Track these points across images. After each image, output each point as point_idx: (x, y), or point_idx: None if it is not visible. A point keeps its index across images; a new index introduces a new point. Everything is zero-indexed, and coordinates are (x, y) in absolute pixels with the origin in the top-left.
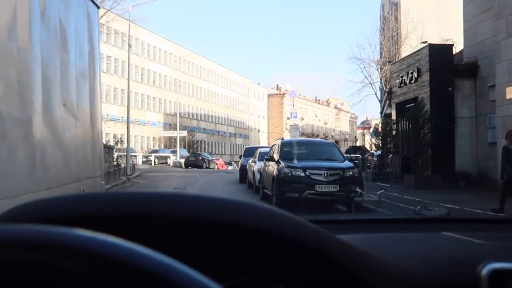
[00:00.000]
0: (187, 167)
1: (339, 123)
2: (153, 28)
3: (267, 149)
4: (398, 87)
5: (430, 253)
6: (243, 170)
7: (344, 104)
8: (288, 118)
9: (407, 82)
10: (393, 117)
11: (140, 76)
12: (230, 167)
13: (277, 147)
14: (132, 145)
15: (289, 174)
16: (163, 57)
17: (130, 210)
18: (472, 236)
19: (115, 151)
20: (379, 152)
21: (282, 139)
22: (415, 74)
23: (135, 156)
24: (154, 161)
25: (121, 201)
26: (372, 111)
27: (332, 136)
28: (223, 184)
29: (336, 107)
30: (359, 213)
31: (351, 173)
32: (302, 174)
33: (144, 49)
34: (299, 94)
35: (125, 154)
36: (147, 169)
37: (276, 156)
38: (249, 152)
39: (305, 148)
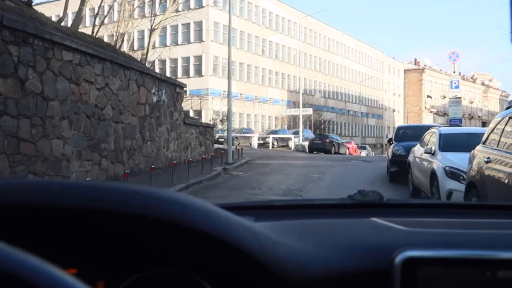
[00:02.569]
0: (312, 152)
1: (487, 102)
2: None
3: (448, 131)
4: None
5: (350, 239)
6: (398, 162)
7: (493, 80)
8: (429, 97)
9: None
10: None
11: (261, 48)
12: (363, 152)
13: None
14: (251, 126)
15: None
16: (287, 26)
17: (4, 200)
18: (398, 222)
19: (217, 131)
20: None
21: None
22: None
23: (247, 138)
24: (273, 144)
25: None
26: None
27: (479, 116)
28: (364, 184)
29: (483, 84)
30: (295, 199)
31: None
32: None
33: (266, 17)
34: (440, 70)
35: (239, 135)
36: (260, 154)
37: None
38: (406, 135)
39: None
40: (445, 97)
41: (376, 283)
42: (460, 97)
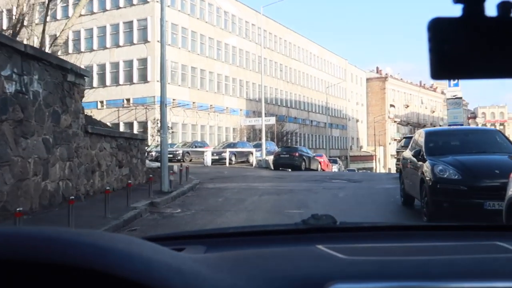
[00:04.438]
0: (277, 168)
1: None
2: None
3: None
4: None
5: (286, 272)
6: (446, 192)
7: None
8: (392, 106)
9: None
10: None
11: (216, 52)
12: (335, 167)
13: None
14: (206, 138)
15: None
16: (244, 28)
17: None
18: (341, 249)
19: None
20: None
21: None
22: None
23: (201, 153)
24: (230, 160)
25: None
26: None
27: (440, 125)
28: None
29: (443, 93)
30: (248, 226)
31: None
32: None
33: (221, 17)
34: (401, 79)
35: (190, 149)
36: (214, 173)
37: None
38: (444, 144)
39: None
40: (408, 106)
41: None
42: (461, 97)
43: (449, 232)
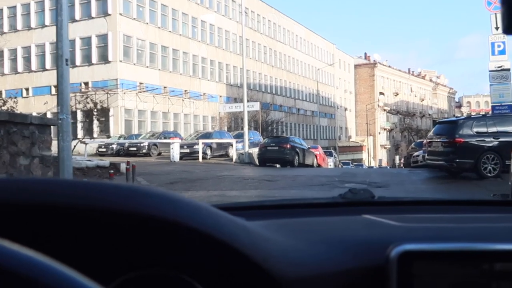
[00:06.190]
0: (264, 164)
1: (436, 100)
2: None
3: None
4: None
5: (342, 237)
6: None
7: (440, 77)
8: (381, 94)
9: None
10: None
11: (191, 29)
12: (330, 160)
13: None
14: (180, 128)
15: None
16: (223, 4)
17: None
18: (391, 218)
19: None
20: None
21: None
22: None
23: (168, 145)
24: (205, 153)
25: None
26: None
27: (429, 114)
28: None
29: (431, 80)
30: (285, 199)
31: None
32: None
33: None
34: (389, 66)
35: (159, 141)
36: (178, 173)
37: None
38: None
39: None
40: (397, 94)
41: (371, 279)
42: (509, 69)
43: (496, 206)
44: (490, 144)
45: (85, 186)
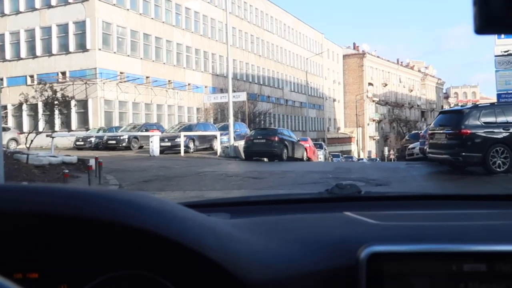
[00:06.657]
0: (251, 158)
1: (425, 90)
2: None
3: None
4: None
5: (317, 236)
6: None
7: (429, 67)
8: (370, 84)
9: None
10: None
11: (175, 17)
12: (320, 153)
13: None
14: (163, 120)
15: None
16: None
17: None
18: (370, 216)
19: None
20: None
21: None
22: None
23: (147, 137)
24: (187, 147)
25: None
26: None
27: (418, 105)
28: None
29: (420, 71)
30: (271, 194)
31: None
32: None
33: None
34: (378, 56)
35: (140, 134)
36: (155, 170)
37: None
38: None
39: None
40: (386, 84)
41: (341, 279)
42: None
43: (479, 201)
44: (500, 136)
45: (63, 193)
